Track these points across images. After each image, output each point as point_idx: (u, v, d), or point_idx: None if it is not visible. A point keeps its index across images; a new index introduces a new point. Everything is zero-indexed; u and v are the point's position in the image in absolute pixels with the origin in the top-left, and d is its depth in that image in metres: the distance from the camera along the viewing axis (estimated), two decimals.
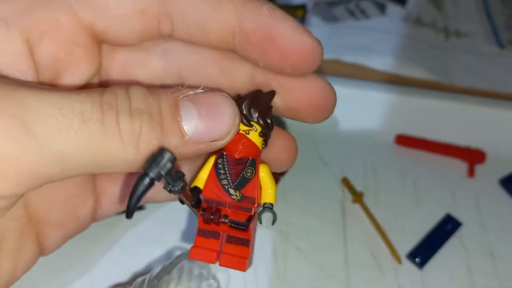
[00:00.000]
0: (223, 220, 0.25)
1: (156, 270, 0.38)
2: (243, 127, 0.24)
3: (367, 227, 0.53)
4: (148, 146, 0.17)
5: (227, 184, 0.25)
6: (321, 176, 0.57)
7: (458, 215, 0.54)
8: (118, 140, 0.17)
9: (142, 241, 0.49)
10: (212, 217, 0.25)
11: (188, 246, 0.49)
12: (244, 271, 0.25)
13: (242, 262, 0.25)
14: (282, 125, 0.60)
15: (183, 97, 0.18)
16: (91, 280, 0.46)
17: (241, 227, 0.25)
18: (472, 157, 0.59)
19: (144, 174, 0.19)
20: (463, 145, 0.60)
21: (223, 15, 0.20)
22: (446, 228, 0.52)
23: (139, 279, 0.39)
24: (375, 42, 0.72)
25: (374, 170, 0.58)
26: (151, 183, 0.19)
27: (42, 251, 0.23)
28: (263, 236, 0.51)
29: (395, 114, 0.62)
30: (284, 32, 0.20)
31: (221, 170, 0.24)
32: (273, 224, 0.26)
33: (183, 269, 0.41)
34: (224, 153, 0.24)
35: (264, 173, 0.25)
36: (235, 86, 0.24)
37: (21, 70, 0.19)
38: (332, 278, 0.48)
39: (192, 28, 0.20)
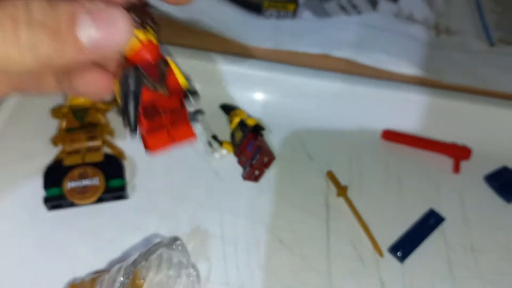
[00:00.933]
0: (163, 112, 0.30)
1: (133, 257, 0.38)
2: (139, 35, 0.27)
3: (350, 220, 0.53)
4: (45, 53, 0.20)
5: (152, 85, 0.29)
6: (306, 169, 0.57)
7: (441, 210, 0.54)
8: (17, 48, 0.19)
9: (122, 229, 0.49)
10: (153, 113, 0.30)
11: (167, 234, 0.49)
12: (195, 137, 0.31)
13: (189, 130, 0.31)
14: (267, 128, 0.60)
15: (79, 9, 0.20)
16: (72, 267, 0.46)
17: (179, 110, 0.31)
18: (458, 153, 0.59)
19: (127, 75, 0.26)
20: (449, 142, 0.60)
21: None
22: (429, 222, 0.53)
23: (116, 267, 0.39)
24: (366, 38, 0.72)
25: (359, 164, 0.58)
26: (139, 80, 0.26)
27: None
28: (247, 227, 0.51)
29: (383, 109, 0.62)
30: None
31: (143, 78, 0.29)
32: (194, 96, 0.31)
33: (162, 257, 0.41)
34: (138, 65, 0.28)
35: (172, 65, 0.30)
36: None
37: None
38: (314, 269, 0.49)
39: None
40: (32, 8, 0.20)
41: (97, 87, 0.26)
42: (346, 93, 0.62)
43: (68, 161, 0.52)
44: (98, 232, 0.49)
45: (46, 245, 0.48)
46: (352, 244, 0.51)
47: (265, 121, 0.59)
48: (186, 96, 0.31)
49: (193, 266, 0.43)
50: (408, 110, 0.62)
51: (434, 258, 0.51)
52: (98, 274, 0.41)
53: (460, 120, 0.62)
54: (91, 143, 0.53)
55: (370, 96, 0.62)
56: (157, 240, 0.41)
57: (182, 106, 0.31)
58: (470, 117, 0.61)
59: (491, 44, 0.75)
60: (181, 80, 0.30)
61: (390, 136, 0.61)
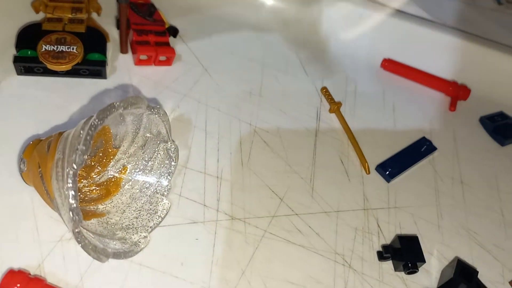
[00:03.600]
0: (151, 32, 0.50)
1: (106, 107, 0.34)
2: None
3: (340, 136, 0.50)
4: None
5: (142, 15, 0.49)
6: (301, 82, 0.54)
7: (434, 142, 0.52)
8: None
9: (95, 107, 0.45)
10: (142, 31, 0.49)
11: (150, 103, 0.46)
12: (174, 54, 0.50)
13: (170, 48, 0.50)
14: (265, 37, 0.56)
15: None
16: (36, 129, 0.42)
17: (163, 35, 0.51)
18: (457, 91, 0.57)
19: None
20: (449, 79, 0.58)
21: None
22: (421, 149, 0.50)
23: (84, 120, 0.34)
24: None
25: (355, 87, 0.55)
26: None
27: None
28: (233, 125, 0.48)
29: (386, 37, 0.59)
30: None
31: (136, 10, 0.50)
32: (174, 31, 0.53)
33: (142, 121, 0.37)
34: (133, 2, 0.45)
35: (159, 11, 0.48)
36: None
37: None
38: (297, 173, 0.46)
39: None
40: None
41: None
42: (350, 14, 0.59)
43: (47, 26, 0.47)
44: (69, 104, 0.45)
45: (14, 105, 0.43)
46: (339, 157, 0.48)
47: (262, 26, 0.56)
48: (169, 30, 0.52)
49: (172, 141, 0.39)
50: (412, 43, 0.59)
51: (421, 183, 0.48)
52: (64, 131, 0.37)
53: (463, 59, 0.59)
54: (75, 15, 0.49)
55: (375, 22, 0.59)
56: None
57: (165, 34, 0.51)
58: (473, 59, 0.59)
59: (499, 3, 0.73)
60: (165, 19, 0.51)
61: (390, 65, 0.58)
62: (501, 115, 0.57)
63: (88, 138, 0.30)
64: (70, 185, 0.30)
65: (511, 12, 0.73)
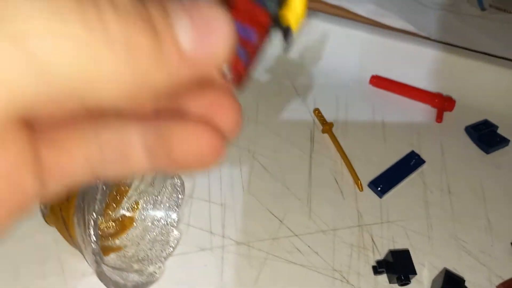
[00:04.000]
0: None
1: None
2: None
3: (334, 155, 0.54)
4: (143, 55, 0.13)
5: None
6: (294, 105, 0.57)
7: (422, 155, 0.55)
8: (106, 44, 0.13)
9: None
10: None
11: None
12: None
13: None
14: None
15: (171, 3, 0.14)
16: None
17: None
18: (442, 103, 0.60)
19: None
20: (434, 92, 0.61)
21: None
22: (410, 163, 0.54)
23: None
24: None
25: (346, 106, 0.59)
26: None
27: None
28: (231, 152, 0.51)
29: (373, 55, 0.63)
30: None
31: None
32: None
33: None
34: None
35: None
36: None
37: None
38: (294, 196, 0.49)
39: None
40: None
41: (203, 144, 0.16)
42: (337, 35, 0.62)
43: None
44: None
45: None
46: (334, 177, 0.52)
47: None
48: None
49: (178, 177, 0.43)
50: (398, 58, 0.63)
51: (412, 196, 0.52)
52: None
53: (447, 72, 0.63)
54: None
55: (362, 40, 0.62)
56: None
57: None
58: (457, 70, 0.63)
59: (482, 9, 0.76)
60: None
61: (378, 82, 0.62)
62: (486, 123, 0.60)
63: (104, 188, 0.34)
64: (92, 231, 0.33)
65: (495, 17, 0.76)
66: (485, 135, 0.58)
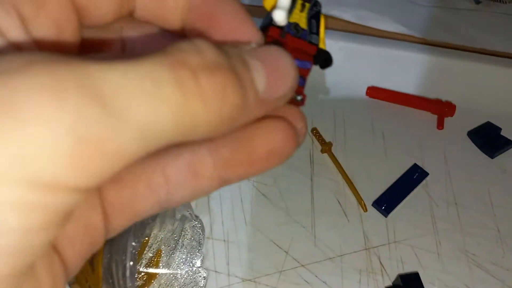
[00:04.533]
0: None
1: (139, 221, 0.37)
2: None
3: (335, 176, 0.53)
4: (232, 104, 0.15)
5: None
6: None
7: (425, 165, 0.54)
8: (200, 101, 0.14)
9: None
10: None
11: None
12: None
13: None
14: None
15: (245, 52, 0.16)
16: None
17: None
18: (442, 109, 0.59)
19: None
20: (433, 98, 0.60)
21: None
22: (413, 177, 0.53)
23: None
24: None
25: (344, 121, 0.58)
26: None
27: (67, 272, 0.17)
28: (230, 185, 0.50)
29: (367, 65, 0.61)
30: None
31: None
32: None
33: (166, 213, 0.41)
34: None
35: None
36: None
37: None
38: (298, 223, 0.48)
39: (153, 4, 0.18)
40: (202, 49, 0.15)
41: (282, 135, 0.18)
42: (330, 49, 0.61)
43: None
44: None
45: None
46: (337, 199, 0.51)
47: None
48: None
49: (197, 219, 0.43)
50: (392, 67, 0.61)
51: (418, 212, 0.51)
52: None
53: (444, 76, 0.61)
54: None
55: (355, 52, 0.61)
56: None
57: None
58: (454, 74, 0.61)
59: (477, 2, 0.74)
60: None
61: (375, 93, 0.60)
62: (488, 125, 0.59)
63: (133, 251, 0.34)
64: None
65: (491, 9, 0.74)
66: (488, 139, 0.57)
